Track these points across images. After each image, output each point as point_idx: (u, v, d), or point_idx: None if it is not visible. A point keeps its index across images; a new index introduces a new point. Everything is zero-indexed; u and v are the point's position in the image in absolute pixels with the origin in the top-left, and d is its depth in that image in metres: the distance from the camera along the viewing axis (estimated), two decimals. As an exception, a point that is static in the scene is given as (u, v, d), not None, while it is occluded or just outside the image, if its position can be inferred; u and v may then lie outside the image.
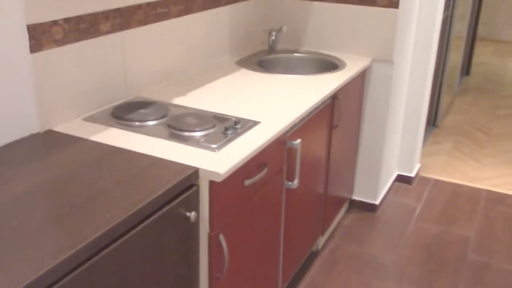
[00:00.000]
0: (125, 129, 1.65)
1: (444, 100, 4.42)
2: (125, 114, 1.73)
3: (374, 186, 2.91)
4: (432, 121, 4.31)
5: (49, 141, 1.54)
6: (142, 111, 1.77)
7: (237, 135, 1.64)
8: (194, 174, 1.41)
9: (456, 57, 4.76)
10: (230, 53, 2.59)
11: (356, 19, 2.64)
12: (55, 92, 1.62)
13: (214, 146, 1.54)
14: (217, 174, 1.40)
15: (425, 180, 3.37)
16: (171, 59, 2.15)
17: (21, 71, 1.49)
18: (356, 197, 2.98)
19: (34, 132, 1.58)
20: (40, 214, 1.16)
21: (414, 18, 2.94)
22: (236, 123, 1.69)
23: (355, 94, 2.62)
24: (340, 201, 2.77)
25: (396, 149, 3.18)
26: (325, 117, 2.25)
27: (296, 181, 1.94)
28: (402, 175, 3.30)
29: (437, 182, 3.35)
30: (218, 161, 1.46)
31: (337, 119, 2.38)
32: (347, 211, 2.99)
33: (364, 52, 2.67)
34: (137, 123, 1.69)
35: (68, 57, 1.64)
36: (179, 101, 1.93)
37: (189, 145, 1.55)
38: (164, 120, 1.73)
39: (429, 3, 2.97)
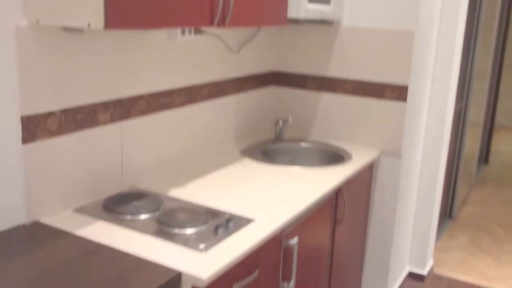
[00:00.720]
0: (114, 223, 1.60)
1: (461, 190, 4.30)
2: (116, 206, 1.69)
3: (383, 284, 2.76)
4: (448, 213, 4.17)
5: (32, 235, 1.49)
6: (134, 203, 1.73)
7: (229, 234, 1.57)
8: (176, 278, 1.33)
9: (473, 146, 4.69)
10: (236, 142, 2.57)
11: (364, 111, 2.62)
12: (46, 183, 1.59)
13: (201, 246, 1.47)
14: (200, 279, 1.33)
15: (439, 279, 3.20)
16: (173, 148, 2.14)
17: (11, 162, 1.48)
18: (364, 293, 2.83)
19: (20, 223, 1.54)
20: (3, 321, 1.09)
21: (424, 111, 2.92)
22: (228, 220, 1.63)
23: (362, 187, 2.55)
24: (345, 299, 2.62)
25: (407, 243, 3.05)
26: (328, 212, 2.17)
27: (292, 282, 1.84)
28: (414, 272, 3.14)
29: (451, 282, 3.17)
30: (204, 263, 1.39)
31: (341, 214, 2.30)
32: (354, 309, 2.83)
33: (372, 144, 2.63)
34: (127, 217, 1.64)
35: (62, 147, 1.63)
36: (175, 192, 1.88)
37: (177, 243, 1.48)
38: (155, 214, 1.67)
39: (439, 96, 2.95)
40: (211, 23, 1.68)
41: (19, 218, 1.54)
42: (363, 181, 2.55)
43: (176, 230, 1.56)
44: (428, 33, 2.70)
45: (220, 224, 1.59)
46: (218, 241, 1.52)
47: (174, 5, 1.50)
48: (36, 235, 1.50)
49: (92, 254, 1.40)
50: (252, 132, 2.71)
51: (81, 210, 1.68)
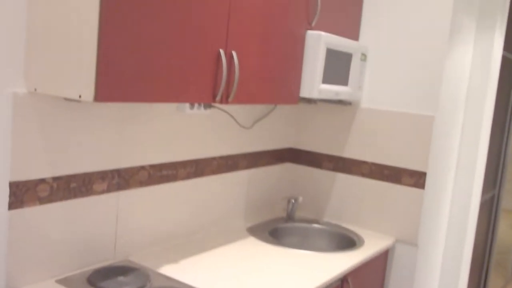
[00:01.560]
0: (93, 299, 1.53)
1: (494, 284, 4.02)
2: (101, 280, 1.63)
3: None
4: (478, 309, 3.88)
5: (5, 305, 1.44)
6: (120, 278, 1.66)
7: (211, 320, 1.47)
8: None
9: (509, 234, 4.44)
10: (245, 218, 2.50)
11: (380, 195, 2.52)
12: (30, 252, 1.56)
13: (177, 333, 1.38)
14: None
15: None
16: (174, 222, 2.08)
17: (-6, 228, 1.46)
18: None
19: (-2, 291, 1.50)
20: None
21: (446, 199, 2.78)
22: (213, 306, 1.53)
23: (373, 275, 2.40)
24: None
25: None
26: (331, 302, 2.03)
27: None
28: None
29: None
30: None
31: (347, 305, 2.15)
32: None
33: (387, 230, 2.50)
34: (109, 293, 1.57)
35: (51, 215, 1.60)
36: (167, 269, 1.81)
37: (151, 327, 1.40)
38: (139, 292, 1.60)
39: (464, 184, 2.82)
40: (213, 99, 1.67)
41: (-2, 286, 1.49)
42: (375, 269, 2.41)
43: (156, 312, 1.48)
44: (450, 119, 2.62)
45: (202, 309, 1.50)
46: (197, 328, 1.42)
47: (171, 80, 1.50)
48: (9, 306, 1.44)
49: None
50: (262, 209, 2.63)
51: (64, 282, 1.62)
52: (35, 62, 1.45)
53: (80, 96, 1.33)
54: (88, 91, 1.31)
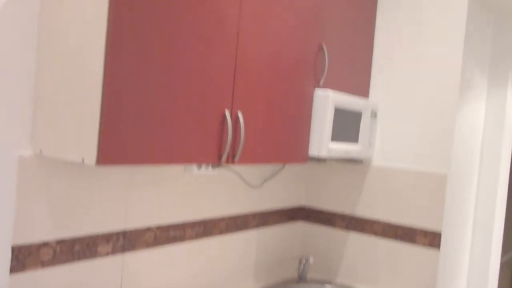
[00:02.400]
0: None
1: None
2: None
3: None
4: None
5: None
6: None
7: None
8: None
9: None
10: (255, 279, 2.44)
11: (393, 255, 2.44)
12: (30, 316, 1.52)
13: None
14: None
15: None
16: (181, 284, 2.03)
17: (-6, 293, 1.43)
18: None
19: None
20: None
21: (464, 261, 2.68)
22: None
23: None
24: None
25: None
26: None
27: None
28: None
29: None
30: None
31: None
32: None
33: (403, 293, 2.41)
34: None
35: (53, 280, 1.58)
36: (171, 335, 1.75)
37: None
38: None
39: (482, 244, 2.72)
40: (218, 160, 1.66)
41: None
42: (391, 335, 2.30)
43: None
44: (465, 176, 2.57)
45: None
46: None
47: (176, 142, 1.50)
48: None
49: None
50: (273, 269, 2.57)
51: None
52: (41, 125, 1.47)
53: (83, 160, 1.33)
54: (90, 155, 1.32)
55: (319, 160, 2.21)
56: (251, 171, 2.36)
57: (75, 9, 1.39)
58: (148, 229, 1.88)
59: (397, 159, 2.47)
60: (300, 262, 2.55)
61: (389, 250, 2.46)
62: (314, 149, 2.11)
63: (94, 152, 1.31)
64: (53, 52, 1.45)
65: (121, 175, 1.75)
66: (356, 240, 2.57)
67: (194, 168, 1.99)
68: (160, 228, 1.92)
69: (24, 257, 1.49)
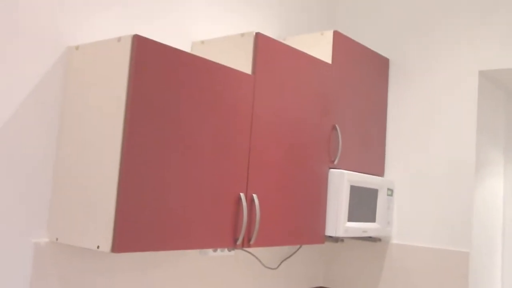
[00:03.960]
0: None
1: None
2: None
3: None
4: None
5: None
6: None
7: None
8: None
9: None
10: None
11: None
12: None
13: None
14: None
15: None
16: None
17: None
18: None
19: None
20: None
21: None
22: None
23: None
24: None
25: None
26: None
27: None
28: None
29: None
30: None
31: None
32: None
33: None
34: None
35: None
36: None
37: None
38: None
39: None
40: (233, 244, 1.65)
41: None
42: None
43: None
44: (488, 251, 2.50)
45: None
46: None
47: (191, 227, 1.50)
48: None
49: None
50: None
51: None
52: (58, 213, 1.49)
53: (98, 247, 1.33)
54: (106, 242, 1.32)
55: (336, 239, 2.18)
56: (268, 252, 2.33)
57: (95, 100, 1.44)
58: (163, 315, 1.83)
59: (416, 237, 2.42)
60: None
61: (413, 334, 2.36)
62: (331, 229, 2.09)
63: (110, 240, 1.31)
64: (72, 141, 1.49)
65: (135, 261, 1.74)
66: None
67: (209, 250, 1.97)
68: (175, 314, 1.88)
69: None
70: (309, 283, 2.60)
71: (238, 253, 2.16)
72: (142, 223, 1.37)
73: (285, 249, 2.43)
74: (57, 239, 1.48)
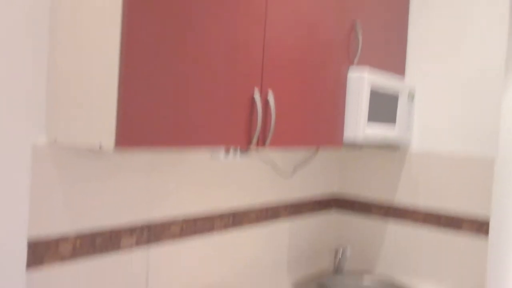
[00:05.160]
0: None
1: None
2: None
3: None
4: None
5: None
6: None
7: None
8: None
9: None
10: (288, 272, 2.30)
11: (437, 245, 2.27)
12: (50, 315, 1.42)
13: None
14: None
15: None
16: (210, 278, 1.91)
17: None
18: None
19: None
20: None
21: (513, 248, 2.50)
22: None
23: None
24: None
25: None
26: None
27: None
28: None
29: None
30: None
31: None
32: None
33: (446, 284, 2.24)
34: None
35: (74, 275, 1.47)
36: (201, 333, 1.63)
37: None
38: None
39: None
40: (248, 143, 1.53)
41: None
42: (437, 331, 2.14)
43: None
44: (513, 159, 2.38)
45: None
46: None
47: (201, 122, 1.37)
48: None
49: None
50: (307, 261, 2.43)
51: None
52: (55, 112, 1.35)
53: (100, 145, 1.21)
54: (108, 138, 1.19)
55: (354, 146, 2.06)
56: (281, 159, 2.22)
57: (88, -20, 1.27)
58: (174, 220, 1.75)
59: (438, 144, 2.29)
60: (336, 253, 2.40)
61: (432, 239, 2.29)
62: (350, 132, 1.96)
63: (112, 135, 1.19)
64: (66, 35, 1.33)
65: (141, 163, 1.63)
66: (395, 229, 2.41)
67: (221, 155, 1.86)
68: (186, 219, 1.80)
69: (41, 252, 1.38)
70: (324, 191, 2.52)
71: (250, 160, 2.05)
72: (147, 115, 1.23)
73: (300, 157, 2.32)
74: (56, 139, 1.35)
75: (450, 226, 2.24)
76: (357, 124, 1.95)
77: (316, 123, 1.80)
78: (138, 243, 1.64)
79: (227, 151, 1.88)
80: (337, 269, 2.40)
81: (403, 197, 2.38)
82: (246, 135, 1.51)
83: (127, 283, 1.62)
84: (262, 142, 1.57)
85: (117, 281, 1.58)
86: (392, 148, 2.41)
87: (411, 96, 2.30)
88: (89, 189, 1.49)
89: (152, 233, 1.68)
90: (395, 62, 2.29)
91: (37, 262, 1.38)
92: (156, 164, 1.68)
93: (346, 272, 2.42)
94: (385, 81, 2.05)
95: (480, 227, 2.16)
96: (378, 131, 2.05)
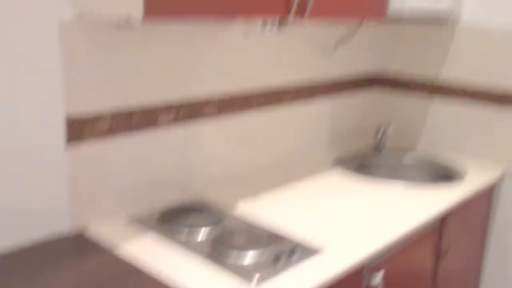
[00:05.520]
0: (165, 240, 1.40)
1: None
2: (172, 220, 1.50)
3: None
4: None
5: (70, 249, 1.35)
6: (192, 218, 1.53)
7: (291, 266, 1.30)
8: (211, 320, 1.10)
9: None
10: (328, 150, 2.28)
11: (485, 121, 2.18)
12: (94, 191, 1.45)
13: (254, 278, 1.22)
14: (240, 325, 1.08)
15: None
16: (249, 156, 1.91)
17: (54, 165, 1.35)
18: (476, 337, 2.38)
19: (65, 230, 1.41)
20: None
21: None
22: (293, 249, 1.36)
23: (478, 214, 2.12)
24: None
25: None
26: (429, 243, 1.80)
27: (374, 329, 1.51)
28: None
29: None
30: (251, 303, 1.14)
31: (446, 244, 1.91)
32: None
33: (493, 161, 2.18)
34: (181, 233, 1.44)
35: (113, 152, 1.47)
36: (242, 207, 1.65)
37: (227, 271, 1.25)
38: (212, 232, 1.45)
39: None
40: (286, 12, 1.42)
41: (64, 224, 1.40)
42: (480, 207, 2.12)
43: (229, 255, 1.33)
44: None
45: (282, 252, 1.33)
46: (277, 273, 1.26)
47: (235, -9, 1.26)
48: (72, 247, 1.35)
49: (124, 278, 1.21)
50: (348, 140, 2.39)
51: (133, 221, 1.51)
52: (80, -22, 1.27)
53: (128, 17, 1.14)
54: (136, 7, 1.12)
55: (399, 20, 1.91)
56: (322, 35, 2.10)
57: None
58: (210, 98, 1.71)
59: (489, 16, 2.10)
60: (378, 131, 2.35)
61: (480, 117, 2.20)
62: (395, 4, 1.81)
63: (140, 4, 1.11)
64: None
65: (175, 38, 1.56)
66: (440, 106, 2.31)
67: (257, 29, 1.76)
68: (223, 96, 1.75)
69: (79, 129, 1.38)
70: (366, 68, 2.41)
71: (290, 34, 1.94)
72: (176, -18, 1.14)
73: (341, 32, 2.19)
74: (82, 13, 1.29)
75: (500, 102, 2.13)
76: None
77: (360, -10, 1.65)
78: (175, 121, 1.62)
79: (264, 24, 1.78)
80: (379, 147, 2.36)
81: (450, 74, 2.26)
82: (284, 2, 1.40)
83: (166, 161, 1.62)
84: (301, 12, 1.46)
85: (156, 158, 1.59)
86: (439, 22, 2.24)
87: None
88: (123, 65, 1.44)
89: (190, 111, 1.65)
90: None
91: (75, 139, 1.38)
92: (190, 40, 1.60)
93: (388, 150, 2.38)
94: None
95: (533, 101, 2.04)
96: (425, 3, 1.88)
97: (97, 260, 1.29)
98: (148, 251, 1.34)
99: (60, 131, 1.34)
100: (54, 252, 1.31)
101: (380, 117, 2.53)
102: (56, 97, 1.32)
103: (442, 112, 2.31)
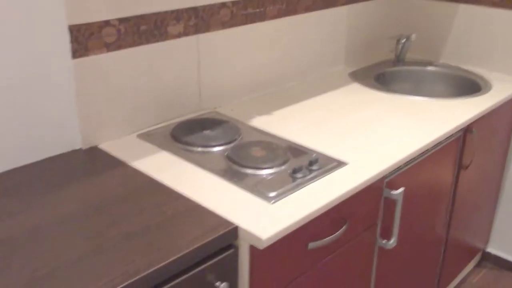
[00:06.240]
0: (178, 155, 1.35)
1: None
2: (185, 135, 1.45)
3: (517, 241, 2.30)
4: None
5: (83, 163, 1.31)
6: (207, 132, 1.47)
7: (311, 179, 1.25)
8: (231, 233, 1.07)
9: None
10: (346, 62, 2.17)
11: (514, 28, 2.05)
12: (104, 106, 1.39)
13: (271, 194, 1.18)
14: (259, 239, 1.04)
15: None
16: (264, 68, 1.82)
17: (59, 80, 1.28)
18: (491, 249, 2.39)
19: (76, 147, 1.37)
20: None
21: None
22: (312, 162, 1.30)
23: (501, 126, 2.05)
24: (467, 252, 2.21)
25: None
26: (451, 155, 1.75)
27: (393, 240, 1.49)
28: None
29: None
30: (269, 218, 1.10)
31: (469, 158, 1.85)
32: (477, 265, 2.41)
33: (521, 72, 2.08)
34: (195, 149, 1.39)
35: (122, 64, 1.39)
36: (259, 122, 1.59)
37: (243, 188, 1.21)
38: (227, 147, 1.40)
39: None
40: None
41: (74, 142, 1.36)
42: (503, 119, 2.04)
43: (245, 170, 1.28)
44: None
45: (300, 167, 1.27)
46: (295, 188, 1.21)
47: None
48: (86, 163, 1.31)
49: (143, 191, 1.18)
50: (366, 51, 2.28)
51: (146, 137, 1.46)
52: None
53: None
54: None
55: None
56: None
57: None
58: (223, 5, 1.60)
59: None
60: (398, 41, 2.23)
61: (508, 23, 2.06)
62: None
63: None
64: None
65: None
66: (465, 13, 2.16)
67: None
68: (236, 4, 1.64)
69: (85, 39, 1.29)
70: (388, -28, 2.24)
71: None
72: None
73: None
74: None
75: (532, 6, 1.99)
76: None
77: None
78: (186, 30, 1.52)
79: None
80: (399, 59, 2.25)
81: (479, -25, 2.10)
82: None
83: (178, 73, 1.54)
84: None
85: (167, 70, 1.51)
86: None
87: None
88: (127, -31, 1.33)
89: (200, 19, 1.54)
90: None
91: (82, 50, 1.29)
92: None
93: (408, 61, 2.27)
94: None
95: None
96: None
97: (112, 174, 1.25)
98: (161, 167, 1.29)
99: (65, 43, 1.25)
100: (67, 166, 1.28)
101: (401, 26, 2.39)
102: (57, 3, 1.22)
103: (467, 20, 2.16)
